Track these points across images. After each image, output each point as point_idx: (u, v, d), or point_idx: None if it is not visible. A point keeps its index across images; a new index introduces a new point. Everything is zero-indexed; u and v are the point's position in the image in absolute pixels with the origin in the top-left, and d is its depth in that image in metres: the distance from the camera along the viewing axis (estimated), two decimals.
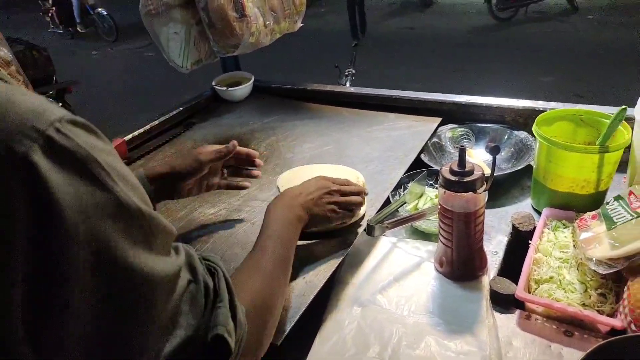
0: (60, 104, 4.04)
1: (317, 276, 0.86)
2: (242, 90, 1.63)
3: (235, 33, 1.42)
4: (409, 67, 5.81)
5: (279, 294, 0.71)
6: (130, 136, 1.40)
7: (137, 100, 5.47)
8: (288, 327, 0.76)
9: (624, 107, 0.92)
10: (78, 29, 8.91)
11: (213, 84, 1.66)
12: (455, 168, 0.85)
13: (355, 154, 1.27)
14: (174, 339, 0.46)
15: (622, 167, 1.05)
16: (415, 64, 5.89)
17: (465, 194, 0.85)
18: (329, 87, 1.63)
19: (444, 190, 0.87)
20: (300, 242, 0.96)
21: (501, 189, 1.18)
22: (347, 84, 2.90)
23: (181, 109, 1.58)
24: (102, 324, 0.41)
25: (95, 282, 0.39)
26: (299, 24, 1.58)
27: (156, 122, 1.49)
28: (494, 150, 0.79)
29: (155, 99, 5.08)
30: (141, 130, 1.43)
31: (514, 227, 1.04)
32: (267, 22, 1.49)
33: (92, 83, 5.87)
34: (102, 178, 0.40)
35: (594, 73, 4.97)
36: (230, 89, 1.62)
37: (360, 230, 0.97)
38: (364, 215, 0.99)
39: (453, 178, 0.85)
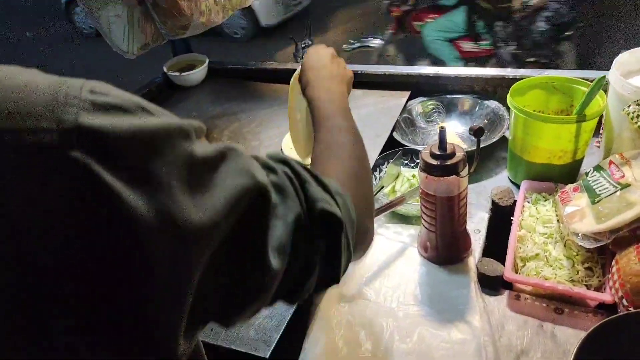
0: None
1: None
2: (197, 74, 1.52)
3: (183, 13, 1.31)
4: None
5: (365, 164, 0.66)
6: None
7: None
8: (276, 337, 0.71)
9: (602, 75, 0.90)
10: None
11: (164, 69, 1.54)
12: (436, 151, 0.81)
13: None
14: (276, 231, 0.42)
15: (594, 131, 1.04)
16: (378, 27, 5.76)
17: (447, 177, 0.81)
18: (289, 65, 1.55)
19: (425, 174, 0.83)
20: None
21: (478, 162, 1.15)
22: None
23: None
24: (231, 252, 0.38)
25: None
26: None
27: None
28: (479, 133, 0.75)
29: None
30: None
31: (493, 202, 1.02)
32: None
33: (29, 66, 5.48)
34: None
35: None
36: (183, 73, 1.51)
37: None
38: None
39: (434, 162, 0.80)
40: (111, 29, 1.37)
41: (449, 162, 0.80)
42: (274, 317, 0.74)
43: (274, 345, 0.70)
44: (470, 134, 0.80)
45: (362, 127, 1.17)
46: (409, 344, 0.77)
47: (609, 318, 0.67)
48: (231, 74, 1.59)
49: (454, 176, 0.81)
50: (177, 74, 1.51)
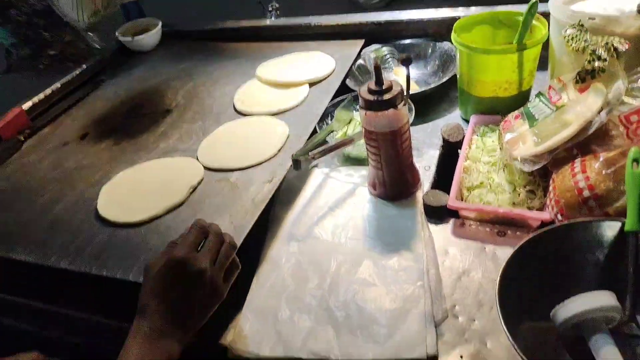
0: None
1: (244, 218, 0.82)
2: (151, 37, 1.50)
3: None
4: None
5: None
6: (30, 103, 1.27)
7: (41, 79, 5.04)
8: None
9: (534, 0, 0.90)
10: None
11: (117, 34, 1.52)
12: (373, 87, 0.81)
13: None
14: None
15: (544, 64, 1.04)
16: None
17: (386, 111, 0.81)
18: (243, 23, 1.53)
19: (364, 111, 0.83)
20: (226, 182, 0.91)
21: (430, 103, 1.16)
22: (273, 19, 2.74)
23: (84, 66, 1.44)
24: None
25: None
26: None
27: (58, 84, 1.35)
28: (406, 61, 0.75)
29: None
30: (41, 96, 1.30)
31: (444, 139, 1.03)
32: None
33: None
34: None
35: None
36: (136, 37, 1.49)
37: (287, 166, 0.93)
38: None
39: (372, 97, 0.81)
40: None
41: (385, 97, 0.80)
42: None
43: None
44: (399, 62, 0.80)
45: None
46: (354, 275, 0.79)
47: (536, 232, 0.68)
48: (186, 36, 1.57)
49: (392, 110, 0.81)
50: (129, 38, 1.48)
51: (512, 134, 0.88)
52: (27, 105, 1.25)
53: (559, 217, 0.75)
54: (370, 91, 0.81)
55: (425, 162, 1.00)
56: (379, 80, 0.81)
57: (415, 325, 0.70)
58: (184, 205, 0.88)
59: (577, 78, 0.79)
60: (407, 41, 1.31)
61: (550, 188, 0.79)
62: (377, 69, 0.81)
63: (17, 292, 0.86)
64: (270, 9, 2.86)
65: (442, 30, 1.30)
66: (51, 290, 0.85)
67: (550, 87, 0.89)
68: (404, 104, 0.82)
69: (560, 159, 0.81)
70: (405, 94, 0.81)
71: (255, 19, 1.57)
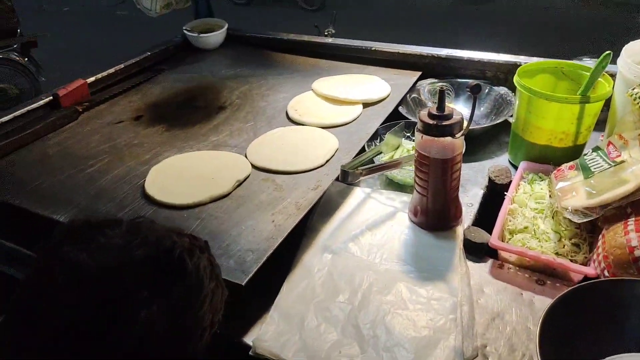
0: (26, 58, 3.83)
1: (287, 220, 0.82)
2: (215, 37, 1.55)
3: None
4: (391, 33, 5.71)
5: None
6: (92, 78, 1.31)
7: (108, 60, 5.24)
8: (254, 269, 0.72)
9: (608, 52, 0.90)
10: None
11: (184, 29, 1.57)
12: (434, 112, 0.82)
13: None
14: None
15: (600, 125, 1.04)
16: (397, 31, 5.79)
17: (443, 138, 0.82)
18: (305, 38, 1.57)
19: (421, 135, 0.83)
20: (271, 182, 0.92)
21: (479, 144, 1.16)
22: None
23: (148, 53, 1.49)
24: None
25: None
26: None
27: (121, 65, 1.40)
28: (475, 89, 0.76)
29: (126, 59, 4.86)
30: (105, 73, 1.35)
31: (490, 179, 1.02)
32: None
33: (60, 39, 5.59)
34: None
35: (569, 51, 4.97)
36: (202, 35, 1.54)
37: (333, 176, 0.93)
38: None
39: (431, 122, 0.81)
40: None
41: (445, 123, 0.81)
42: (255, 251, 0.76)
43: (251, 275, 0.71)
44: (467, 90, 0.81)
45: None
46: (386, 295, 0.78)
47: (581, 284, 0.67)
48: (248, 42, 1.61)
49: (449, 137, 0.81)
50: (195, 34, 1.53)
51: (565, 182, 0.87)
52: (90, 79, 1.30)
53: (606, 272, 0.73)
54: (430, 115, 0.82)
55: (469, 199, 0.99)
56: (441, 106, 0.81)
57: (443, 358, 0.68)
58: (228, 197, 0.89)
59: None
60: (464, 80, 1.32)
61: (599, 243, 0.77)
62: (442, 94, 0.81)
63: None
64: (326, 33, 2.95)
65: (499, 74, 1.31)
66: None
67: (609, 143, 0.88)
68: (462, 134, 0.82)
69: (610, 216, 0.79)
70: (467, 122, 0.81)
71: (307, 35, 1.61)
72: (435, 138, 0.82)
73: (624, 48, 0.95)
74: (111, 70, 1.37)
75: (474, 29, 5.59)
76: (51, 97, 1.20)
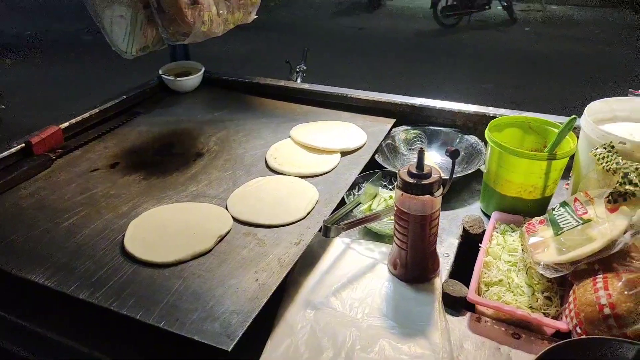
0: None
1: (270, 278, 0.83)
2: (192, 80, 1.56)
3: (187, 20, 1.35)
4: (359, 66, 5.86)
5: None
6: (67, 124, 1.29)
7: (72, 86, 5.14)
8: (240, 333, 0.72)
9: (573, 116, 0.96)
10: None
11: (160, 72, 1.58)
12: (414, 170, 0.85)
13: None
14: None
15: (565, 173, 1.09)
16: (365, 64, 5.95)
17: (422, 196, 0.85)
18: (282, 82, 1.59)
19: (401, 192, 0.86)
20: (252, 237, 0.93)
21: (453, 192, 1.20)
22: (298, 81, 2.86)
23: (124, 97, 1.48)
24: None
25: None
26: (253, 16, 1.52)
27: (96, 110, 1.39)
28: (454, 155, 0.79)
29: (92, 85, 4.80)
30: (79, 118, 1.33)
31: (464, 229, 1.06)
32: (221, 12, 1.43)
33: (23, 65, 5.46)
34: None
35: (530, 81, 5.23)
36: (179, 78, 1.55)
37: (315, 229, 0.95)
38: None
39: (411, 180, 0.84)
40: (112, 29, 1.40)
41: (424, 182, 0.84)
42: (240, 313, 0.75)
43: (236, 340, 0.71)
44: (446, 154, 0.85)
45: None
46: (369, 353, 0.79)
47: (558, 343, 0.70)
48: (225, 85, 1.63)
49: (428, 195, 0.85)
50: (172, 78, 1.54)
51: (536, 238, 0.91)
52: (64, 124, 1.28)
53: (578, 329, 0.76)
54: (410, 174, 0.85)
55: (444, 249, 1.03)
56: (420, 165, 0.85)
57: None
58: (210, 254, 0.89)
59: (610, 198, 0.83)
60: (436, 128, 1.37)
61: (570, 299, 0.81)
62: (421, 154, 0.85)
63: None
64: (297, 70, 2.99)
65: (469, 123, 1.37)
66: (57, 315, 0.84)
67: (576, 199, 0.93)
68: (441, 194, 0.85)
69: (580, 271, 0.83)
70: (446, 184, 0.85)
71: (284, 80, 1.64)
72: (415, 196, 0.85)
73: (586, 107, 1.02)
74: (86, 115, 1.35)
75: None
76: (23, 145, 1.18)
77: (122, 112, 1.46)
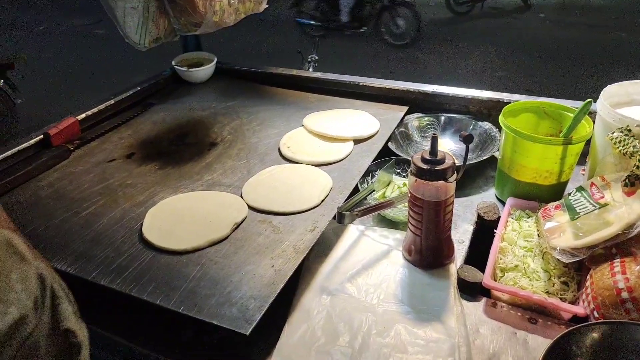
0: (2, 80, 3.78)
1: (286, 264, 0.83)
2: (205, 71, 1.57)
3: (198, 10, 1.36)
4: (371, 56, 5.83)
5: None
6: (83, 115, 1.31)
7: (85, 79, 5.19)
8: (257, 317, 0.73)
9: (589, 100, 0.95)
10: None
11: (173, 63, 1.59)
12: (427, 156, 0.85)
13: None
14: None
15: (581, 159, 1.08)
16: (377, 54, 5.91)
17: (436, 182, 0.85)
18: (294, 72, 1.59)
19: (415, 178, 0.86)
20: (267, 224, 0.93)
21: (467, 178, 1.20)
22: (310, 70, 2.87)
23: (138, 88, 1.50)
24: None
25: None
26: (264, 5, 1.52)
27: (111, 101, 1.41)
28: (468, 139, 0.79)
29: (104, 78, 4.84)
30: (95, 109, 1.35)
31: (479, 216, 1.05)
32: (232, 1, 1.43)
33: (37, 59, 5.52)
34: None
35: (544, 69, 5.16)
36: (191, 69, 1.55)
37: (329, 217, 0.95)
38: None
39: (424, 166, 0.84)
40: (125, 20, 1.41)
41: (438, 168, 0.84)
42: (257, 298, 0.76)
43: (254, 324, 0.72)
44: (460, 139, 0.84)
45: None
46: (385, 338, 0.79)
47: (576, 326, 0.70)
48: (237, 75, 1.63)
49: (442, 181, 0.85)
50: (184, 68, 1.55)
51: (552, 223, 0.90)
52: (80, 116, 1.30)
53: (595, 313, 0.76)
54: (423, 160, 0.85)
55: (460, 236, 1.03)
56: (434, 151, 0.84)
57: None
58: (226, 241, 0.90)
59: (627, 181, 0.82)
60: (450, 115, 1.37)
61: (587, 283, 0.80)
62: (434, 140, 0.85)
63: None
64: (309, 59, 3.00)
65: (483, 110, 1.36)
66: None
67: (592, 184, 0.92)
68: (455, 180, 0.85)
69: (597, 256, 0.83)
70: (460, 169, 0.84)
71: (295, 69, 1.64)
72: (429, 182, 0.85)
73: (602, 91, 1.01)
74: (102, 107, 1.37)
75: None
76: (42, 136, 1.20)
77: (136, 103, 1.47)
